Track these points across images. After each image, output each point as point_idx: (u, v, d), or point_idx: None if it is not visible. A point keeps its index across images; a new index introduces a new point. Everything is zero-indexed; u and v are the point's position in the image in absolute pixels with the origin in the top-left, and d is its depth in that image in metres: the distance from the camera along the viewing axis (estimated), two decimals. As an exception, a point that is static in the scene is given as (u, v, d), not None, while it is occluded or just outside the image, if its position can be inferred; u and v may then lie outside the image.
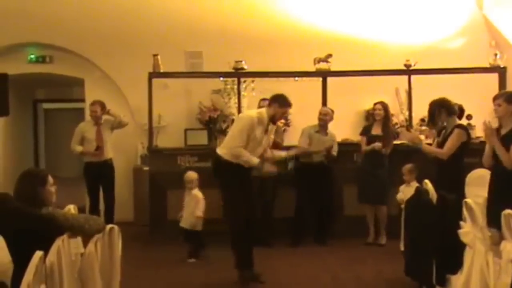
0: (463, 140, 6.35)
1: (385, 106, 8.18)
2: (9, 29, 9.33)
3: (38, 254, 3.35)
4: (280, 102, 6.39)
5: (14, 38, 9.52)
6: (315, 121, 8.36)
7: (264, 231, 8.09)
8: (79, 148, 8.48)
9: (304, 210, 8.22)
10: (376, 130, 8.15)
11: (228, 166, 6.28)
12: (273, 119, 6.43)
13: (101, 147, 8.44)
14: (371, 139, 8.09)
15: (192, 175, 7.52)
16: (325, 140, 8.22)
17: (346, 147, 8.51)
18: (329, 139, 8.25)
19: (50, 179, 4.26)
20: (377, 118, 8.17)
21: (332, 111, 8.33)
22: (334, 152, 8.22)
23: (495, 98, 5.37)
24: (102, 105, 8.55)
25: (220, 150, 6.38)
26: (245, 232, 6.32)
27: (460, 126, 6.46)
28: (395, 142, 8.41)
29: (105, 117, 8.59)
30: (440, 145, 6.43)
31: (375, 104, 8.26)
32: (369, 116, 8.29)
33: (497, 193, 5.06)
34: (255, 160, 6.29)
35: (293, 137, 8.74)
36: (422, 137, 7.93)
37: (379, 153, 8.04)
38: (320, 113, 8.27)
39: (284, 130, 9.14)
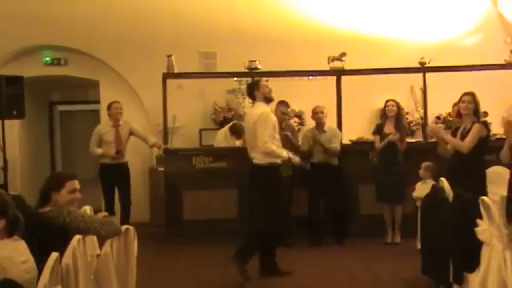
0: (482, 135, 6.31)
1: (397, 103, 8.13)
2: (24, 32, 9.39)
3: (54, 255, 3.35)
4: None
5: (29, 41, 9.58)
6: (329, 120, 8.35)
7: (282, 231, 8.09)
8: (98, 151, 8.47)
9: (316, 211, 8.18)
10: (389, 128, 8.07)
11: (266, 171, 6.42)
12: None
13: (121, 150, 8.44)
14: (384, 138, 8.02)
15: None
16: (324, 138, 8.14)
17: (361, 145, 8.47)
18: (327, 136, 8.16)
19: (71, 184, 4.27)
20: (390, 115, 8.09)
21: (324, 109, 8.26)
22: (334, 144, 8.11)
23: None
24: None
25: (255, 159, 6.49)
26: (271, 236, 6.51)
27: (479, 121, 6.41)
28: (410, 140, 8.39)
29: (124, 119, 8.58)
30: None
31: (387, 101, 8.18)
32: (383, 114, 8.23)
33: None
34: (284, 153, 6.49)
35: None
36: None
37: (394, 151, 7.97)
38: (313, 113, 8.27)
39: (299, 130, 9.13)
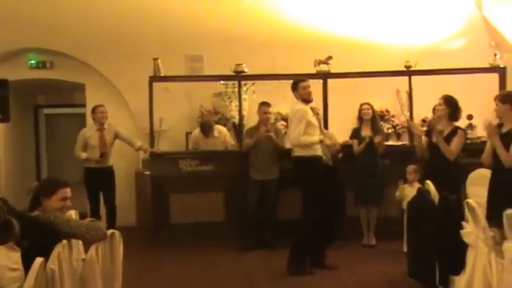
0: (464, 142, 6.57)
1: (372, 106, 8.25)
2: (9, 35, 9.33)
3: (39, 260, 3.33)
4: None
5: (14, 44, 9.52)
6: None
7: (268, 233, 8.12)
8: (83, 155, 8.40)
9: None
10: (366, 131, 8.17)
11: (307, 162, 6.75)
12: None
13: (105, 153, 8.38)
14: (362, 141, 8.11)
15: None
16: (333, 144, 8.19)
17: (346, 149, 8.47)
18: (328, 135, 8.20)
19: (62, 192, 4.29)
20: (366, 118, 8.19)
21: (319, 110, 8.34)
22: (337, 144, 8.17)
23: (495, 99, 5.47)
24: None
25: (295, 152, 6.86)
26: (317, 232, 6.72)
27: (460, 127, 6.65)
28: (395, 143, 8.46)
29: (109, 122, 8.53)
30: (435, 146, 6.56)
31: (361, 104, 8.27)
32: (360, 118, 8.29)
33: (498, 192, 5.06)
34: (316, 137, 6.82)
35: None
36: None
37: (373, 154, 8.06)
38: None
39: (285, 133, 9.13)
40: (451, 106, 6.58)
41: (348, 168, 8.16)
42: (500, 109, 5.44)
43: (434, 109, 7.67)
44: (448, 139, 6.49)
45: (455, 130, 6.54)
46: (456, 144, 6.47)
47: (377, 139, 7.99)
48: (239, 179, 8.41)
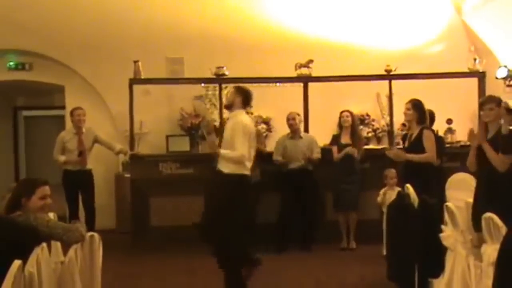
0: (433, 138, 6.67)
1: (352, 114, 8.30)
2: (-14, 35, 9.25)
3: (17, 263, 3.29)
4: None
5: (-9, 45, 9.44)
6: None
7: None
8: (62, 158, 8.31)
9: (288, 217, 8.20)
10: (345, 139, 8.24)
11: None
12: None
13: (83, 152, 8.27)
14: (341, 148, 8.18)
15: None
16: (300, 145, 8.24)
17: (327, 152, 8.49)
18: (305, 142, 8.26)
19: (42, 191, 4.25)
20: (345, 125, 8.25)
21: (299, 114, 8.39)
22: (317, 154, 8.25)
23: (485, 103, 5.45)
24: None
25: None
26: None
27: (426, 127, 6.71)
28: (375, 146, 8.54)
29: (88, 126, 8.45)
30: (407, 150, 6.69)
31: (341, 112, 8.32)
32: (339, 124, 8.33)
33: (483, 197, 5.09)
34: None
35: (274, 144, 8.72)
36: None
37: (351, 161, 8.12)
38: (287, 119, 8.31)
39: (266, 136, 9.15)
40: (418, 110, 6.71)
41: (327, 172, 8.23)
42: (496, 112, 5.43)
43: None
44: (417, 141, 6.61)
45: (421, 131, 6.63)
46: (428, 145, 6.56)
47: (352, 151, 8.07)
48: (219, 183, 8.37)
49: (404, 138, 7.05)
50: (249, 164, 6.01)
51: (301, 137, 8.31)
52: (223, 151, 6.00)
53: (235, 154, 5.92)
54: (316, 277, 6.81)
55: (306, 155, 8.15)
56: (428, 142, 6.60)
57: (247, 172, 5.99)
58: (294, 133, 8.30)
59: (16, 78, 9.88)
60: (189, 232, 8.12)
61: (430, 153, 6.54)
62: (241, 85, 6.52)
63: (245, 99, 6.16)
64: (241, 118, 6.05)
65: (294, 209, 8.16)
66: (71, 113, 8.44)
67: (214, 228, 6.01)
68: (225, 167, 5.96)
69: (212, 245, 6.07)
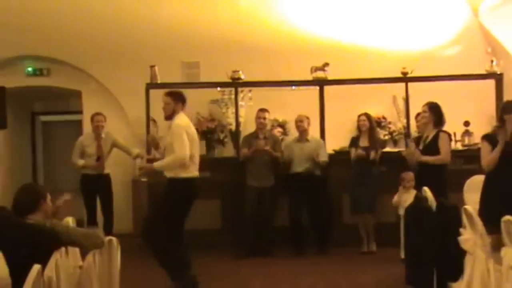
0: (449, 141, 6.88)
1: (369, 117, 8.32)
2: (6, 42, 9.31)
3: (36, 267, 3.31)
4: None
5: (11, 51, 9.51)
6: (312, 130, 8.40)
7: (265, 241, 8.14)
8: (80, 162, 8.39)
9: (298, 221, 8.22)
10: (363, 142, 8.24)
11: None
12: None
13: (101, 157, 8.37)
14: (359, 151, 8.16)
15: None
16: (306, 148, 8.24)
17: (343, 155, 8.47)
18: (311, 146, 8.25)
19: (48, 194, 4.26)
20: (363, 129, 8.27)
21: (307, 117, 8.38)
22: (322, 157, 8.22)
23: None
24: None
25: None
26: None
27: (443, 130, 6.84)
28: (391, 149, 8.53)
29: (106, 131, 8.53)
30: (423, 152, 6.78)
31: (359, 116, 8.35)
32: (358, 127, 8.38)
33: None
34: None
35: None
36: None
37: (367, 163, 8.10)
38: (296, 122, 8.37)
39: (282, 140, 9.14)
40: (435, 113, 6.76)
41: (343, 175, 8.22)
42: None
43: (417, 116, 7.89)
44: (433, 144, 6.71)
45: (438, 133, 6.75)
46: (443, 147, 6.66)
47: (372, 155, 8.06)
48: (236, 186, 8.40)
49: (417, 140, 7.03)
50: (194, 165, 6.19)
51: (308, 140, 8.30)
52: (156, 164, 6.27)
53: (171, 159, 6.10)
54: (333, 281, 6.78)
55: (313, 157, 8.14)
56: (444, 144, 6.62)
57: (192, 175, 6.15)
58: (301, 135, 8.31)
59: (34, 84, 9.95)
60: (206, 235, 8.21)
61: (443, 155, 6.58)
62: (172, 90, 6.70)
63: (183, 101, 6.39)
64: (177, 121, 6.18)
65: (302, 212, 8.17)
66: (92, 118, 8.53)
67: (151, 229, 6.17)
68: (168, 172, 6.17)
69: (150, 246, 6.22)
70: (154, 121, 8.48)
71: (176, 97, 6.35)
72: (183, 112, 6.38)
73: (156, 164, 6.28)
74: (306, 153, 8.23)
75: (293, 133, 9.08)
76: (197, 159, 6.30)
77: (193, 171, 6.23)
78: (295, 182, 8.21)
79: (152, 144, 7.02)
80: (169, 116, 6.31)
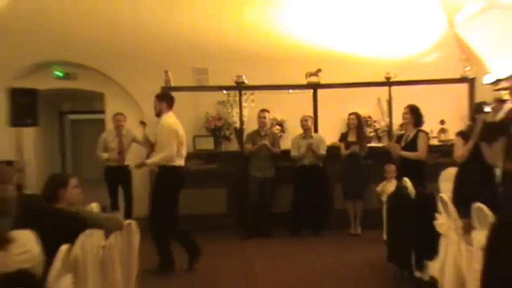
0: (428, 140, 6.87)
1: (358, 116, 8.39)
2: (37, 49, 9.31)
3: (64, 247, 3.34)
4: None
5: (41, 57, 9.50)
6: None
7: (265, 224, 8.18)
8: (104, 155, 8.47)
9: (300, 206, 8.30)
10: (352, 137, 8.35)
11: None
12: None
13: (122, 151, 8.48)
14: (348, 145, 8.29)
15: None
16: (314, 144, 8.30)
17: (335, 150, 8.51)
18: (315, 142, 8.35)
19: (73, 181, 4.25)
20: (351, 127, 8.38)
21: (311, 117, 8.52)
22: (322, 151, 8.31)
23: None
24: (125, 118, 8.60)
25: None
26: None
27: (422, 130, 6.87)
28: (376, 144, 8.59)
29: (127, 128, 8.57)
30: (404, 149, 6.82)
31: (349, 114, 8.45)
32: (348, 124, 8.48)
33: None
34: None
35: (288, 143, 8.74)
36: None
37: (356, 157, 8.20)
38: (301, 121, 8.44)
39: (280, 137, 9.15)
40: (415, 114, 6.79)
41: (336, 166, 8.26)
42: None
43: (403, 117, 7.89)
44: (413, 142, 6.75)
45: (417, 133, 6.79)
46: (421, 146, 6.71)
47: (354, 148, 8.18)
48: (240, 176, 8.45)
49: (399, 138, 7.07)
50: (179, 156, 6.25)
51: (311, 137, 8.38)
52: (148, 161, 6.40)
53: (160, 157, 6.20)
54: (323, 259, 6.82)
55: (314, 150, 8.22)
56: (422, 143, 6.66)
57: (178, 164, 6.23)
58: (306, 132, 8.36)
59: (62, 87, 9.95)
60: (213, 219, 8.22)
61: (420, 153, 6.64)
62: (159, 93, 6.79)
63: (169, 102, 6.42)
64: (165, 121, 6.21)
65: (306, 199, 8.22)
66: (113, 117, 8.63)
67: (150, 220, 6.25)
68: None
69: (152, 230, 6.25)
70: (144, 123, 8.33)
71: (160, 98, 6.48)
72: (171, 111, 6.45)
73: (149, 161, 6.41)
74: (306, 148, 8.27)
75: (291, 131, 9.12)
76: (183, 151, 6.36)
77: (178, 162, 6.28)
78: (301, 173, 8.29)
79: (147, 144, 7.19)
80: (157, 114, 6.44)
